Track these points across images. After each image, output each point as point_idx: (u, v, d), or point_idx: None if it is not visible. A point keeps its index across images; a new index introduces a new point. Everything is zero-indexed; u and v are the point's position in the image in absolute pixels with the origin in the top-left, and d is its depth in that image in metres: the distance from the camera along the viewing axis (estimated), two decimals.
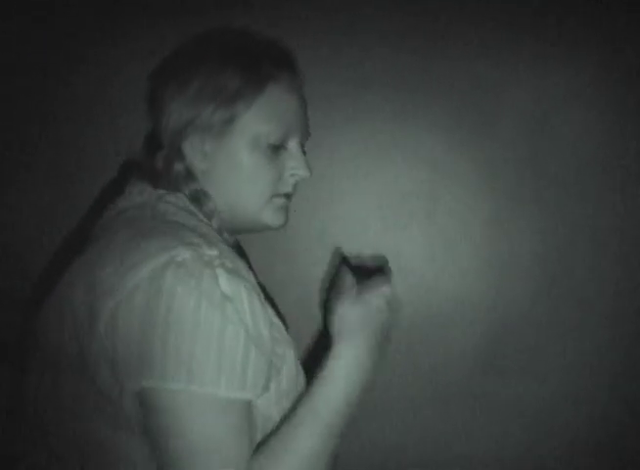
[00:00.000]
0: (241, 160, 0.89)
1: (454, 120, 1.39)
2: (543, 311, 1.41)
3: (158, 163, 0.93)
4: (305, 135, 0.97)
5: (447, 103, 1.39)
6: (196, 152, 0.90)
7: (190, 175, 0.91)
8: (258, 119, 0.89)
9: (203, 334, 0.73)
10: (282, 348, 0.83)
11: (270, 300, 0.91)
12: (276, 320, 0.86)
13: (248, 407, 0.77)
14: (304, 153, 0.96)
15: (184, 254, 0.76)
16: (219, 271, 0.76)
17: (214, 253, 0.78)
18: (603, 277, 1.41)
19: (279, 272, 1.40)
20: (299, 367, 0.88)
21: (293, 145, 0.94)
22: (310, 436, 0.79)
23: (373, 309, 0.87)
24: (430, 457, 1.44)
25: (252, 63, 0.91)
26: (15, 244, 1.39)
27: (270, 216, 0.92)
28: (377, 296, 0.89)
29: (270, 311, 0.85)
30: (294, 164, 0.93)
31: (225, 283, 0.76)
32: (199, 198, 0.90)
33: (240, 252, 1.03)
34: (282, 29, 1.35)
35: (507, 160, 1.40)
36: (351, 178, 1.41)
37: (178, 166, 0.91)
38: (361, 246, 1.42)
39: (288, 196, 0.94)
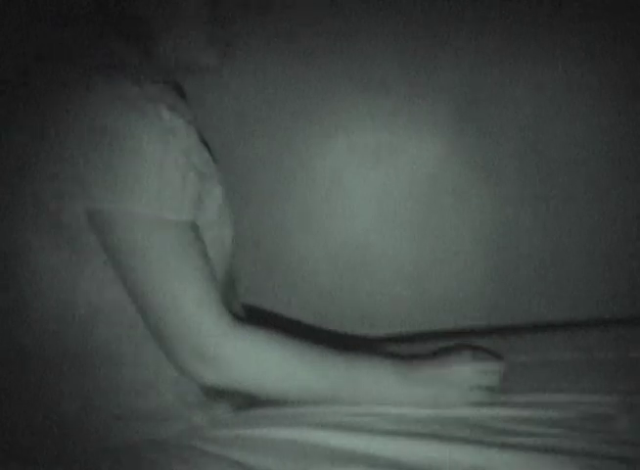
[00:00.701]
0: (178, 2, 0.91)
1: (454, 119, 1.40)
2: (544, 313, 1.41)
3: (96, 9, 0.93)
4: None
5: (447, 101, 1.39)
6: None
7: (134, 20, 0.91)
8: None
9: (146, 160, 0.77)
10: (210, 184, 0.86)
11: (205, 143, 0.92)
12: (209, 157, 0.89)
13: (193, 228, 0.81)
14: None
15: (131, 86, 0.79)
16: (161, 106, 0.80)
17: (157, 89, 0.82)
18: (604, 277, 1.40)
19: (276, 272, 1.40)
20: (226, 209, 0.90)
21: None
22: (313, 373, 0.81)
23: (473, 378, 0.87)
24: None
25: None
26: None
27: (210, 54, 0.93)
28: (493, 361, 0.88)
29: (205, 150, 0.88)
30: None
31: (167, 117, 0.80)
32: (141, 41, 0.91)
33: (180, 92, 1.05)
34: (283, 28, 1.36)
35: (507, 158, 1.40)
36: (351, 178, 1.41)
37: (120, 10, 0.91)
38: (361, 245, 1.41)
39: (223, 36, 0.94)
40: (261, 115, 1.40)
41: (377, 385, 0.84)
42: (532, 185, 1.41)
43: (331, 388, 0.82)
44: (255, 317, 0.91)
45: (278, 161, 1.40)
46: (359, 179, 1.42)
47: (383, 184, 1.42)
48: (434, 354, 0.88)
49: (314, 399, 0.83)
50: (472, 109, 1.39)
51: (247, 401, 0.88)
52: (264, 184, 1.41)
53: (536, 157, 1.40)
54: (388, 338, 1.30)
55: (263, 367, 0.80)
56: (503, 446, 0.76)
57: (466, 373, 0.85)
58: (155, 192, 0.78)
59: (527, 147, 1.41)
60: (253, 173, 1.40)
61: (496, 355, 0.89)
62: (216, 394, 0.86)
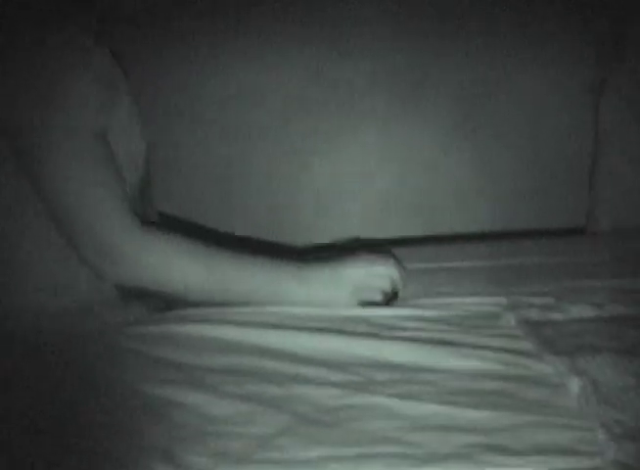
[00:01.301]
0: None
1: (454, 118, 1.43)
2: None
3: None
4: None
5: (447, 100, 1.42)
6: None
7: None
8: None
9: (56, 75, 0.82)
10: (118, 96, 0.90)
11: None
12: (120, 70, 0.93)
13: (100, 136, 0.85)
14: None
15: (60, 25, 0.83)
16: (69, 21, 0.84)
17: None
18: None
19: None
20: (135, 118, 0.94)
21: None
22: (205, 269, 0.87)
23: (373, 275, 0.92)
24: None
25: None
26: None
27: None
28: (386, 266, 0.93)
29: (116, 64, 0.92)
30: None
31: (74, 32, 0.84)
32: None
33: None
34: (283, 27, 1.36)
35: (507, 156, 1.44)
36: (352, 177, 1.44)
37: None
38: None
39: None
40: (260, 114, 1.41)
41: (273, 283, 0.90)
42: (532, 184, 1.46)
43: (222, 282, 0.88)
44: (172, 226, 0.95)
45: (278, 160, 1.42)
46: (358, 178, 1.45)
47: (383, 183, 1.45)
48: (335, 258, 0.94)
49: (209, 294, 0.89)
50: (472, 108, 1.42)
51: (161, 305, 0.94)
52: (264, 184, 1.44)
53: (536, 155, 1.45)
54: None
55: (161, 265, 0.85)
56: (393, 338, 0.84)
57: (359, 275, 0.91)
58: (62, 103, 0.82)
59: (528, 144, 1.45)
60: (253, 173, 1.42)
61: (396, 262, 0.95)
62: (132, 295, 0.91)
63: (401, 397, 0.70)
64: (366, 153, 1.43)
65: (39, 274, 0.87)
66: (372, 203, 1.45)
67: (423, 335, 0.84)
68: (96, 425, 0.65)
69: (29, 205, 0.86)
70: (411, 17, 1.38)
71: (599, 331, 0.83)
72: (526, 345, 0.82)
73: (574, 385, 0.70)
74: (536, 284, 0.99)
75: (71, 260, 0.87)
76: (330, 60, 1.38)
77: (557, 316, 0.89)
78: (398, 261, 0.95)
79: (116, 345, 0.84)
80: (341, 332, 0.85)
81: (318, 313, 0.90)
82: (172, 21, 1.35)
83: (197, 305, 0.90)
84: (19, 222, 0.86)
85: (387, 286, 0.93)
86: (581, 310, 0.90)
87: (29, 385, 0.73)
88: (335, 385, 0.72)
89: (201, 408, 0.68)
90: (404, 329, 0.86)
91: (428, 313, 0.91)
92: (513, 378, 0.74)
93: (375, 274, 0.92)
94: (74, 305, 0.88)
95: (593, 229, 1.41)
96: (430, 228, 1.46)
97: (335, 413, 0.67)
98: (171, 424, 0.65)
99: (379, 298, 0.93)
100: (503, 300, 0.94)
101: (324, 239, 1.36)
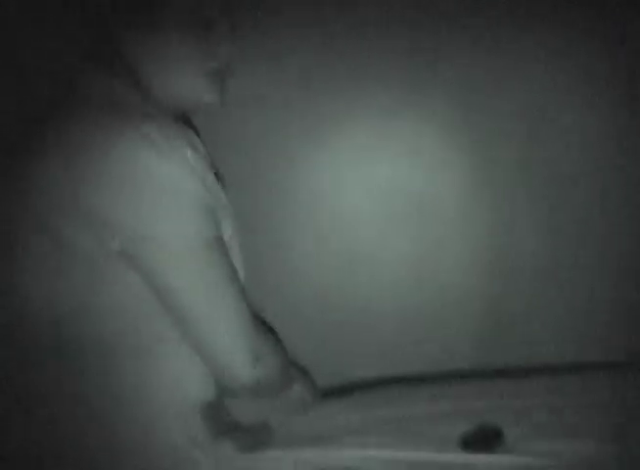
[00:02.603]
0: (171, 43, 0.92)
1: (455, 117, 1.39)
2: (541, 309, 1.43)
3: (98, 60, 0.95)
4: (231, 12, 0.98)
5: (447, 100, 1.38)
6: (129, 43, 0.93)
7: (128, 66, 0.93)
8: (182, 3, 0.92)
9: (172, 193, 0.81)
10: (223, 217, 0.90)
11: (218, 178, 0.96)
12: (222, 193, 0.93)
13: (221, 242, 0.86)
14: (233, 30, 0.97)
15: (148, 126, 0.81)
16: (183, 143, 0.83)
17: (175, 127, 0.85)
18: (603, 275, 1.42)
19: (273, 268, 1.40)
20: (236, 242, 0.94)
21: (218, 23, 0.95)
22: None
23: None
24: None
25: None
26: None
27: (208, 93, 0.94)
28: None
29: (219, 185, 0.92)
30: (219, 39, 0.95)
31: (188, 153, 0.83)
32: (140, 86, 0.93)
33: (190, 125, 1.08)
34: (283, 26, 1.33)
35: (508, 156, 1.40)
36: (351, 177, 1.40)
37: (116, 60, 0.93)
38: (360, 243, 1.41)
39: (219, 71, 0.95)
40: (258, 114, 1.38)
41: None
42: (532, 183, 1.41)
43: None
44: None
45: (277, 162, 1.39)
46: (358, 178, 1.41)
47: (383, 182, 1.41)
48: None
49: None
50: (472, 108, 1.38)
51: (250, 443, 0.90)
52: (263, 185, 1.40)
53: (537, 154, 1.40)
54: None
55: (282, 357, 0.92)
56: None
57: None
58: (182, 215, 0.81)
59: (528, 144, 1.40)
60: (252, 174, 1.38)
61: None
62: (221, 432, 0.88)
63: None
64: None
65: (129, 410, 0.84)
66: None
67: None
68: None
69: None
70: (411, 14, 1.36)
71: None
72: None
73: None
74: None
75: (161, 398, 0.85)
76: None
77: None
78: None
79: None
80: None
81: (409, 458, 0.86)
82: None
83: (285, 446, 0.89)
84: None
85: None
86: None
87: None
88: None
89: None
90: None
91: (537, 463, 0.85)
92: None
93: None
94: (163, 443, 0.85)
95: None
96: None
97: None
98: None
99: None
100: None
101: None
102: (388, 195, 1.42)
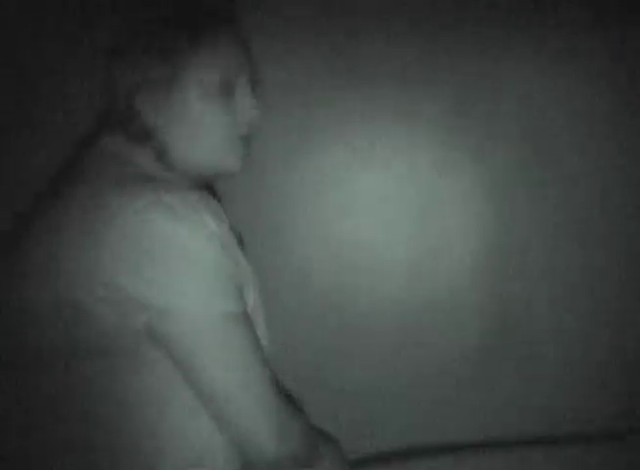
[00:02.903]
0: (191, 110, 0.92)
1: (455, 118, 1.40)
2: (543, 310, 1.44)
3: (116, 123, 0.96)
4: (253, 76, 0.99)
5: (448, 102, 1.40)
6: (148, 109, 0.94)
7: (147, 132, 0.94)
8: (201, 69, 0.92)
9: (196, 264, 0.80)
10: (246, 285, 0.91)
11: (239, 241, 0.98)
12: (245, 262, 0.93)
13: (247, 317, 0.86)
14: (255, 96, 0.98)
15: (169, 195, 0.81)
16: (204, 211, 0.82)
17: (196, 196, 0.84)
18: (604, 275, 1.43)
19: (276, 266, 1.41)
20: (260, 310, 0.94)
21: (239, 88, 0.96)
22: None
23: None
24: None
25: (188, 16, 0.95)
26: None
27: (230, 162, 0.95)
28: None
29: (242, 254, 0.92)
30: (242, 105, 0.96)
31: (210, 222, 0.82)
32: (159, 153, 0.94)
33: (212, 192, 1.10)
34: (282, 27, 1.35)
35: (508, 157, 1.41)
36: (351, 177, 1.42)
37: (135, 125, 0.95)
38: (360, 244, 1.42)
39: (245, 139, 0.97)
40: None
41: None
42: (532, 184, 1.42)
43: None
44: None
45: (277, 162, 1.40)
46: (358, 179, 1.42)
47: (383, 183, 1.42)
48: None
49: None
50: (473, 106, 1.40)
51: None
52: (262, 185, 1.41)
53: (537, 155, 1.42)
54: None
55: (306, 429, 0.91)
56: None
57: None
58: (207, 290, 0.80)
59: (529, 145, 1.41)
60: (252, 175, 1.39)
61: None
62: None
63: None
64: None
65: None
66: None
67: None
68: None
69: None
70: (409, 15, 1.38)
71: None
72: None
73: None
74: None
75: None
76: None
77: None
78: None
79: None
80: None
81: None
82: None
83: None
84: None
85: None
86: None
87: None
88: None
89: None
90: None
91: None
92: None
93: None
94: None
95: None
96: None
97: None
98: None
99: None
100: None
101: None
102: (389, 198, 1.43)
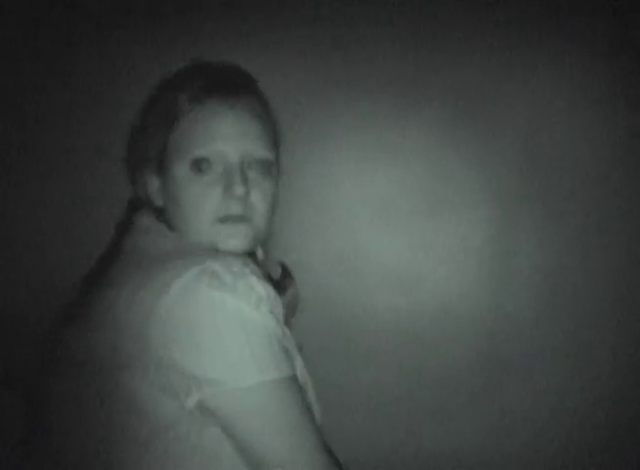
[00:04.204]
0: (178, 189, 0.91)
1: (454, 123, 1.39)
2: (543, 316, 1.42)
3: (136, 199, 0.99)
4: (245, 153, 0.94)
5: (447, 106, 1.39)
6: (151, 190, 0.97)
7: (159, 212, 0.96)
8: (186, 147, 0.91)
9: (251, 330, 0.79)
10: (292, 353, 0.89)
11: None
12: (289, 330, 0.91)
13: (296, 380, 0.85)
14: (244, 171, 0.93)
15: (214, 265, 0.80)
16: (250, 276, 0.81)
17: (240, 261, 0.83)
18: (605, 283, 1.42)
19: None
20: (306, 378, 0.93)
21: (227, 165, 0.92)
22: None
23: None
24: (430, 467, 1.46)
25: (180, 88, 0.94)
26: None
27: (221, 241, 0.91)
28: None
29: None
30: (226, 183, 0.92)
31: (258, 286, 0.81)
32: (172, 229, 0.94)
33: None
34: (281, 34, 1.35)
35: (507, 164, 1.40)
36: (351, 179, 1.41)
37: (151, 205, 0.97)
38: (359, 247, 1.42)
39: (238, 218, 0.92)
40: None
41: None
42: (532, 190, 1.41)
43: None
44: None
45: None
46: (358, 180, 1.41)
47: (382, 187, 1.42)
48: None
49: None
50: (471, 111, 1.39)
51: None
52: None
53: (536, 161, 1.40)
54: None
55: None
56: None
57: None
58: (260, 358, 0.79)
59: (528, 151, 1.40)
60: None
61: None
62: None
63: None
64: None
65: None
66: None
67: None
68: None
69: None
70: (409, 17, 1.37)
71: None
72: None
73: None
74: None
75: None
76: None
77: None
78: None
79: None
80: None
81: None
82: None
83: None
84: None
85: None
86: None
87: None
88: None
89: None
90: None
91: None
92: None
93: None
94: None
95: None
96: None
97: None
98: None
99: None
100: None
101: None
102: (389, 200, 1.42)
